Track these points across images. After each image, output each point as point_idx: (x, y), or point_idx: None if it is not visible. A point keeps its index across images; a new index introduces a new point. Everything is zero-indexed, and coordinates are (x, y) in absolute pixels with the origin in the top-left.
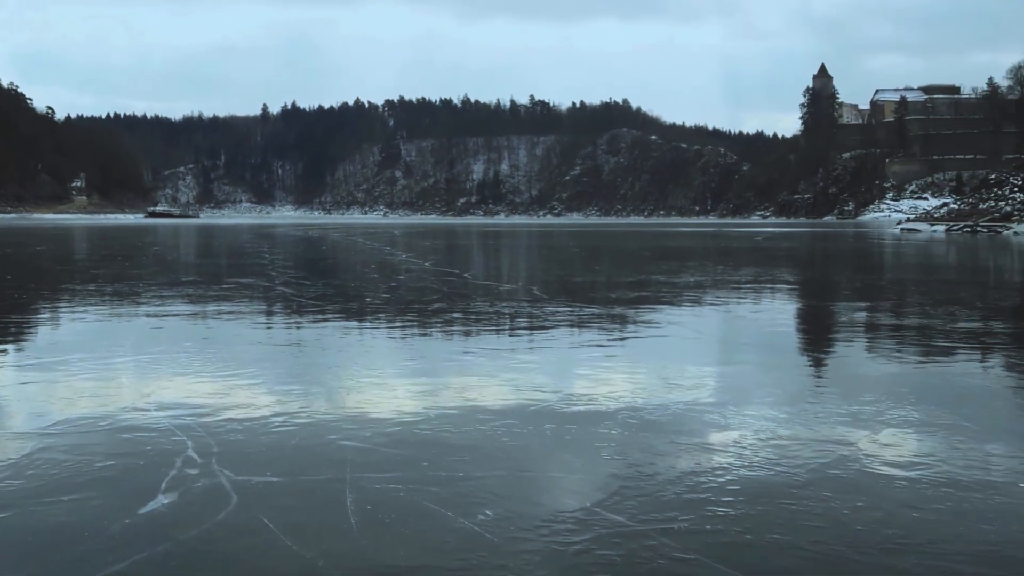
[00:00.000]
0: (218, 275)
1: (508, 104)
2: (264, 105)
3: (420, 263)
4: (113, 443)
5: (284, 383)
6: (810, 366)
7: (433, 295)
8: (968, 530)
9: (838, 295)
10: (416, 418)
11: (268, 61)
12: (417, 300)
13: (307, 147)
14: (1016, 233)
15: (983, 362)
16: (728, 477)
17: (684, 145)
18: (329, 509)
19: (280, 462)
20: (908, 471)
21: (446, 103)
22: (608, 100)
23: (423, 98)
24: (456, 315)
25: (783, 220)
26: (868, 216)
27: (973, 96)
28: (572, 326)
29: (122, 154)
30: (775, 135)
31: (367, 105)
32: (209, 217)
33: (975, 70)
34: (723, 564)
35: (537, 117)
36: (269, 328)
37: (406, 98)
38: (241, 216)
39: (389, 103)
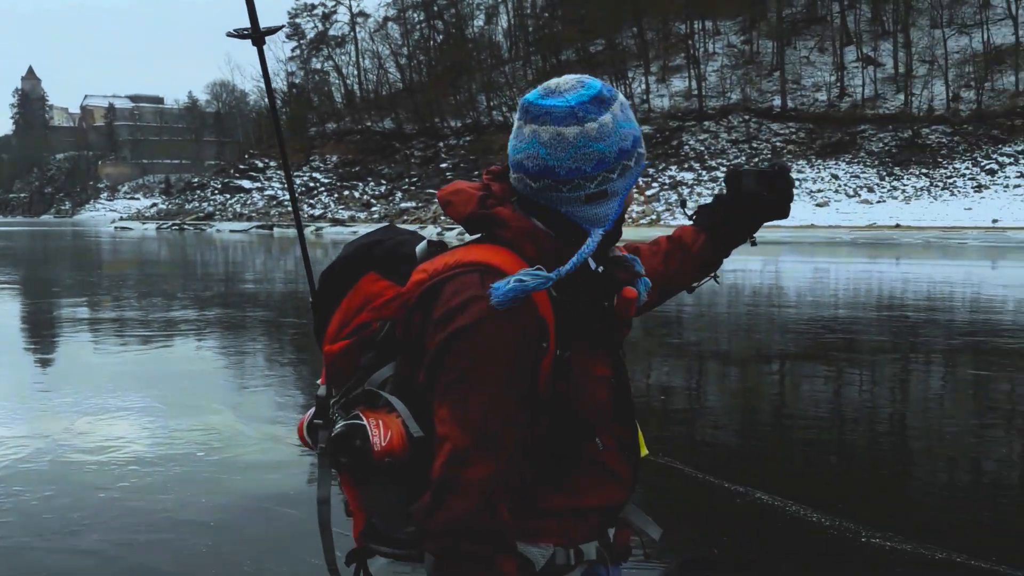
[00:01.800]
0: None
1: None
2: None
3: None
4: None
5: None
6: (13, 367)
7: None
8: (146, 500)
9: (55, 292)
10: None
11: None
12: None
13: None
14: (218, 230)
15: (172, 348)
16: None
17: None
18: None
19: None
20: (99, 455)
21: None
22: None
23: None
24: None
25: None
26: (85, 215)
27: (177, 107)
28: None
29: None
30: None
31: None
32: None
33: (179, 83)
34: None
35: None
36: None
37: None
38: None
39: None
